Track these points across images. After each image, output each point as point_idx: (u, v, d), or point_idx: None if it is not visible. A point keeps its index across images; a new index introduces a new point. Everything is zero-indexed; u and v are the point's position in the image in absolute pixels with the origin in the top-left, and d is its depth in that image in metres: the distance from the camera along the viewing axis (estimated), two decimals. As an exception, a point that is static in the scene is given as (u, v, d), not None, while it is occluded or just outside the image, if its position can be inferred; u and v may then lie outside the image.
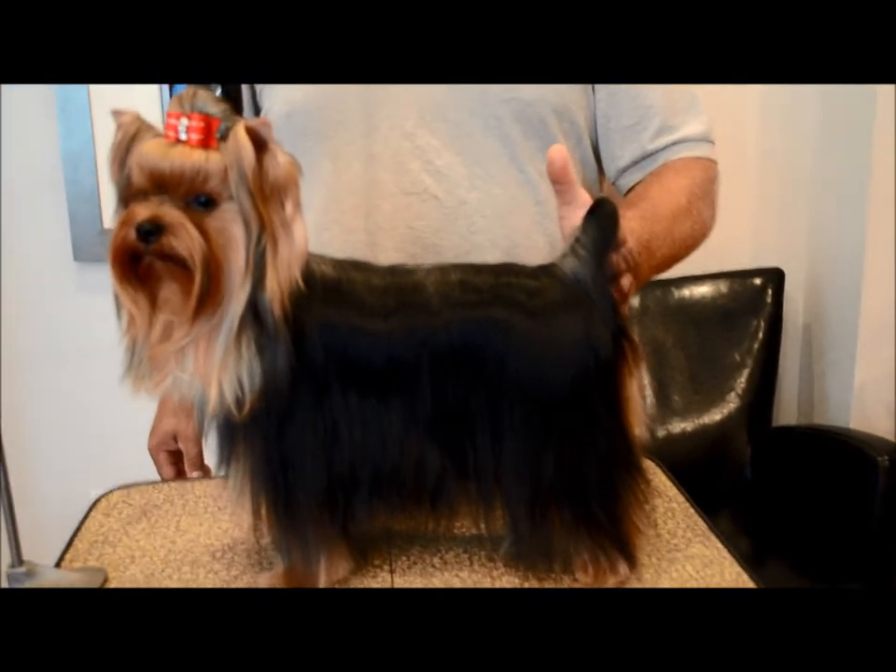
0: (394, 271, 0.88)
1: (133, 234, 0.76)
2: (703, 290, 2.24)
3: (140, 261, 0.78)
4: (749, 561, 0.94)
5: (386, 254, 1.12)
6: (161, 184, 0.77)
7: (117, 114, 0.80)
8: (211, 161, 0.77)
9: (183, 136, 0.76)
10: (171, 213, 0.77)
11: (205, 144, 0.77)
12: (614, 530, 0.87)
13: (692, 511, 1.04)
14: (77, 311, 2.27)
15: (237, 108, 1.06)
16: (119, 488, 1.13)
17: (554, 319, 0.84)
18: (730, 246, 2.26)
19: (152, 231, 0.76)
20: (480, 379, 0.84)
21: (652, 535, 0.96)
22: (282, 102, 1.19)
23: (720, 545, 0.96)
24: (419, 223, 1.15)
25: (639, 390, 0.88)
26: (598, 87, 1.17)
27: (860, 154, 2.06)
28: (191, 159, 0.77)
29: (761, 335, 2.22)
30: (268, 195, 0.78)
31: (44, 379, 2.32)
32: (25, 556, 0.88)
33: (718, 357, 2.23)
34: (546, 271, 0.87)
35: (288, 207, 0.79)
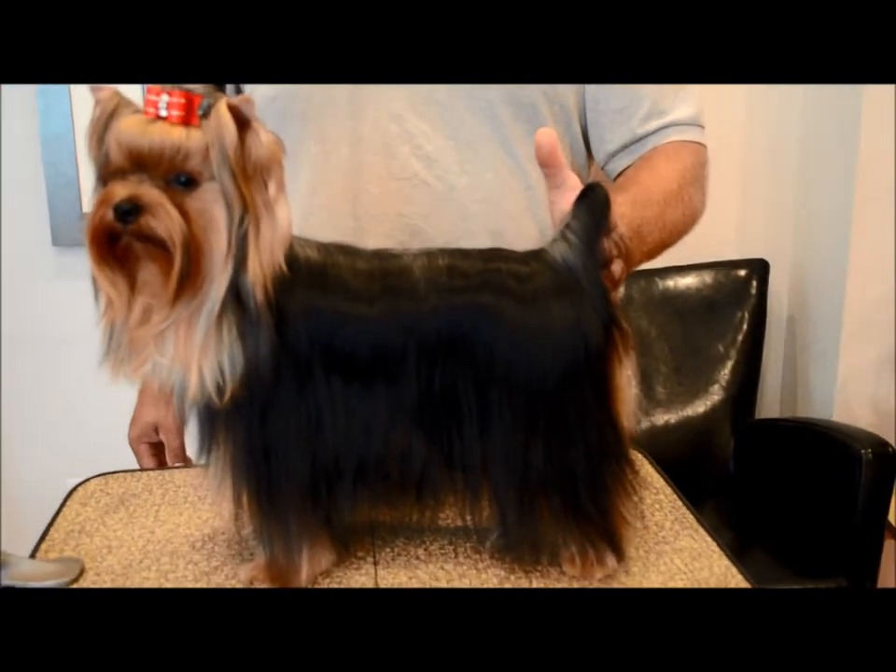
0: (380, 255, 0.85)
1: (110, 214, 0.74)
2: (687, 281, 2.24)
3: (118, 242, 0.76)
4: (733, 553, 0.93)
5: (375, 239, 1.10)
6: (140, 162, 0.75)
7: (95, 90, 0.78)
8: (192, 138, 0.74)
9: (163, 113, 0.74)
10: (150, 192, 0.74)
11: (186, 121, 0.74)
12: (603, 522, 0.85)
13: (679, 503, 1.02)
14: (57, 296, 2.24)
15: (219, 87, 1.05)
16: (97, 476, 1.10)
17: (544, 306, 0.83)
18: (715, 237, 2.25)
19: (130, 210, 0.74)
20: (467, 366, 0.82)
21: (640, 527, 0.95)
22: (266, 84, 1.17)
23: (708, 538, 0.95)
24: (409, 209, 1.13)
25: (629, 379, 0.86)
26: None
27: (845, 146, 2.05)
28: (171, 136, 0.74)
29: (745, 327, 2.22)
30: (250, 175, 0.76)
31: (22, 364, 2.30)
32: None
33: (702, 348, 2.23)
34: (536, 256, 0.85)
35: (272, 188, 0.77)
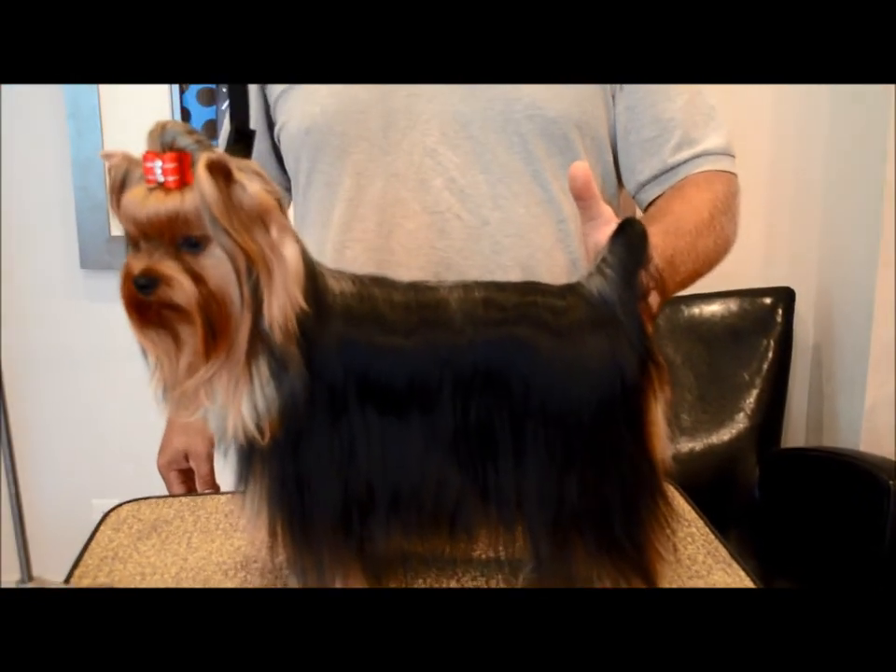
0: (416, 287, 0.86)
1: (132, 287, 0.77)
2: (713, 309, 2.23)
3: (150, 309, 0.78)
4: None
5: (409, 273, 1.10)
6: (147, 232, 0.76)
7: (106, 157, 0.79)
8: (186, 202, 0.75)
9: (160, 179, 0.74)
10: (163, 264, 0.76)
11: (182, 182, 0.75)
12: (637, 556, 0.85)
13: (711, 536, 1.02)
14: (84, 318, 2.27)
15: (244, 119, 1.06)
16: (129, 502, 1.11)
17: (580, 339, 0.83)
18: (740, 265, 2.24)
19: (147, 284, 0.76)
20: (503, 399, 0.82)
21: (673, 560, 0.94)
22: (300, 117, 1.18)
23: (741, 572, 0.94)
24: (442, 242, 1.13)
25: (664, 414, 0.86)
26: (618, 100, 1.16)
27: (871, 173, 2.04)
28: (166, 205, 0.75)
29: (770, 355, 2.21)
30: (248, 225, 0.76)
31: (49, 386, 2.32)
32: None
33: (727, 376, 2.21)
34: (572, 290, 0.86)
35: (273, 231, 0.78)
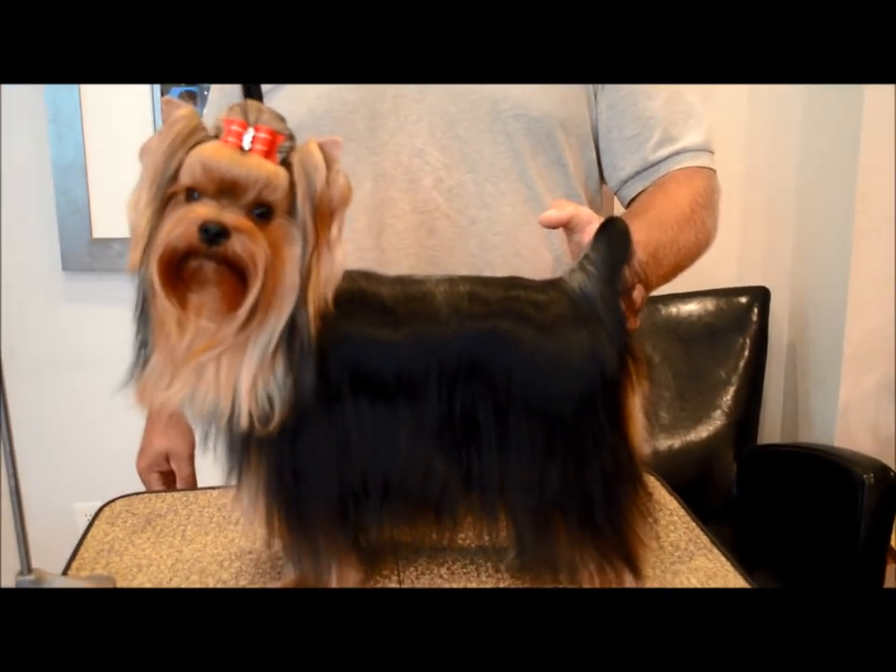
0: (403, 281, 0.88)
1: (194, 233, 0.75)
2: (690, 308, 2.27)
3: (188, 262, 0.77)
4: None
5: (400, 271, 1.12)
6: (228, 188, 0.76)
7: (171, 104, 0.79)
8: (280, 174, 0.77)
9: (247, 146, 0.76)
10: (237, 217, 0.76)
11: (267, 157, 0.77)
12: (619, 541, 0.88)
13: (693, 524, 1.05)
14: (65, 321, 2.26)
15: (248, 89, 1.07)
16: (121, 497, 1.13)
17: (562, 333, 0.86)
18: (717, 265, 2.28)
19: (221, 233, 0.75)
20: (486, 390, 0.85)
21: (656, 547, 0.97)
22: (286, 118, 1.19)
23: (722, 558, 0.97)
24: (431, 241, 1.16)
25: (642, 407, 0.89)
26: (600, 99, 1.19)
27: (845, 174, 2.08)
28: (265, 169, 0.76)
29: (746, 353, 2.24)
30: (324, 214, 0.78)
31: (29, 389, 2.31)
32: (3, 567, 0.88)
33: (704, 374, 2.25)
34: (554, 285, 0.89)
35: (335, 229, 0.80)
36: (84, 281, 2.22)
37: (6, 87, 2.10)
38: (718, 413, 2.22)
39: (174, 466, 1.38)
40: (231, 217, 0.76)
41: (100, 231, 2.17)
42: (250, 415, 0.79)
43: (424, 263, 1.15)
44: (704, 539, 1.01)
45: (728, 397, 2.23)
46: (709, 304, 2.27)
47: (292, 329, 0.78)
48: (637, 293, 0.91)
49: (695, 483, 2.17)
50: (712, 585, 0.92)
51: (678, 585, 0.92)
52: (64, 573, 0.95)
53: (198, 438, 0.88)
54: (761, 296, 2.26)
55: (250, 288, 0.76)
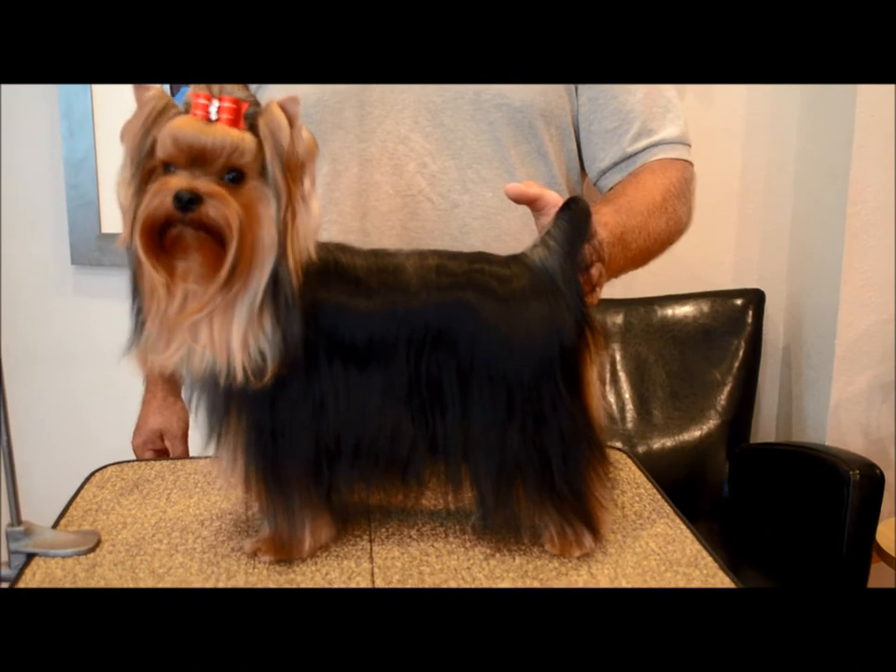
0: (376, 253, 0.93)
1: (169, 202, 0.80)
2: (685, 310, 2.30)
3: (168, 231, 0.82)
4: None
5: None
6: (198, 158, 0.81)
7: (140, 89, 0.84)
8: (246, 138, 0.82)
9: (213, 117, 0.81)
10: (208, 183, 0.81)
11: (234, 125, 0.81)
12: (578, 504, 0.92)
13: (658, 496, 1.09)
14: (74, 315, 2.31)
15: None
16: (113, 464, 1.18)
17: (522, 304, 0.91)
18: (712, 267, 2.33)
19: (193, 199, 0.80)
20: (452, 357, 0.90)
21: (619, 515, 1.02)
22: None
23: (682, 526, 1.01)
24: (413, 223, 1.21)
25: (599, 375, 0.93)
26: (581, 92, 1.24)
27: (838, 179, 2.12)
28: (231, 135, 0.81)
29: (741, 354, 2.27)
30: (293, 169, 0.83)
31: (38, 382, 2.36)
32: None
33: (698, 375, 2.28)
34: (517, 260, 0.94)
35: (307, 182, 0.84)
36: (93, 275, 2.27)
37: (21, 85, 2.15)
38: (712, 412, 2.25)
39: (167, 444, 1.43)
40: (203, 183, 0.81)
41: (109, 226, 2.23)
42: (245, 370, 0.83)
43: (405, 244, 1.20)
44: (667, 508, 1.05)
45: (722, 397, 2.26)
46: (705, 306, 2.30)
47: (276, 284, 0.83)
48: (596, 271, 0.96)
49: (688, 481, 2.20)
50: (670, 548, 0.96)
51: (637, 547, 0.96)
52: (54, 527, 0.99)
53: (186, 400, 0.92)
54: (756, 298, 2.29)
55: (228, 250, 0.81)
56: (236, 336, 0.83)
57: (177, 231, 0.82)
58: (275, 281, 0.83)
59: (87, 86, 2.16)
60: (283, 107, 0.82)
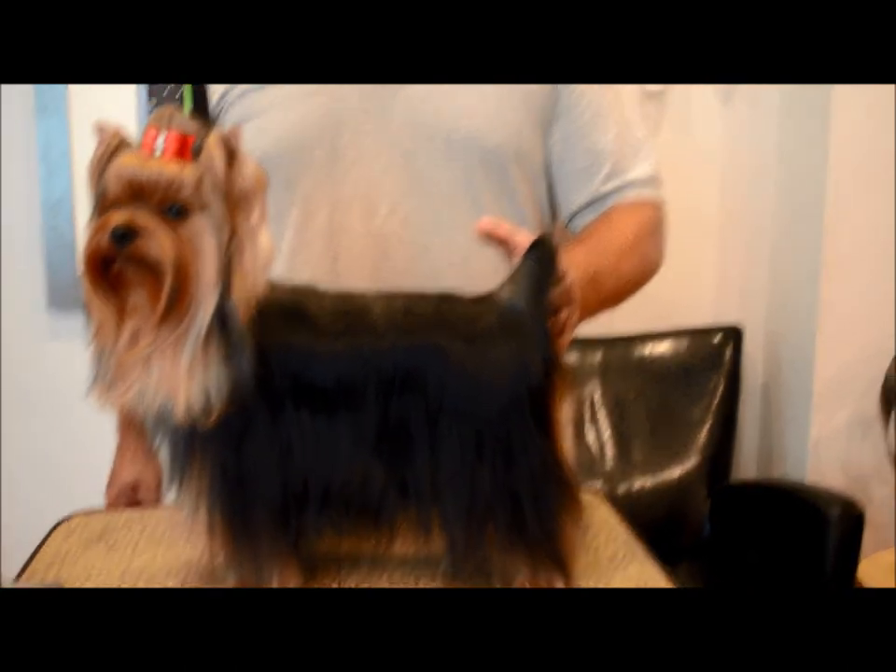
0: (343, 296, 0.93)
1: (106, 238, 0.80)
2: (663, 347, 2.30)
3: (111, 267, 0.82)
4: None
5: None
6: (138, 193, 0.81)
7: (100, 128, 0.84)
8: (185, 172, 0.81)
9: (158, 152, 0.81)
10: (144, 218, 0.80)
11: (180, 157, 0.81)
12: (550, 545, 0.91)
13: (632, 539, 1.08)
14: (51, 358, 2.29)
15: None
16: (79, 514, 1.16)
17: (490, 344, 0.90)
18: (691, 305, 2.33)
19: (126, 234, 0.80)
20: (420, 399, 0.89)
21: (592, 559, 1.00)
22: (250, 149, 1.24)
23: (656, 567, 1.00)
24: (386, 264, 1.20)
25: (567, 415, 0.93)
26: (554, 131, 1.24)
27: (814, 219, 2.14)
28: (168, 169, 0.81)
29: (720, 392, 2.27)
30: (237, 202, 0.83)
31: (12, 427, 2.33)
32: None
33: (678, 412, 2.28)
34: (484, 299, 0.93)
35: (254, 216, 0.84)
36: (70, 318, 2.25)
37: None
38: (691, 450, 2.25)
39: (142, 497, 1.40)
40: (140, 217, 0.80)
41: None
42: (190, 408, 0.82)
43: (377, 286, 1.19)
44: (641, 551, 1.04)
45: (701, 435, 2.25)
46: (683, 343, 2.30)
47: (223, 320, 0.82)
48: (565, 314, 0.95)
49: (669, 520, 2.19)
50: (642, 592, 0.95)
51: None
52: (16, 580, 0.97)
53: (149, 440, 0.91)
54: (734, 335, 2.30)
55: (163, 283, 0.80)
56: (182, 372, 0.82)
57: (119, 266, 0.82)
58: (222, 317, 0.82)
59: (65, 125, 2.16)
60: (224, 140, 0.82)
